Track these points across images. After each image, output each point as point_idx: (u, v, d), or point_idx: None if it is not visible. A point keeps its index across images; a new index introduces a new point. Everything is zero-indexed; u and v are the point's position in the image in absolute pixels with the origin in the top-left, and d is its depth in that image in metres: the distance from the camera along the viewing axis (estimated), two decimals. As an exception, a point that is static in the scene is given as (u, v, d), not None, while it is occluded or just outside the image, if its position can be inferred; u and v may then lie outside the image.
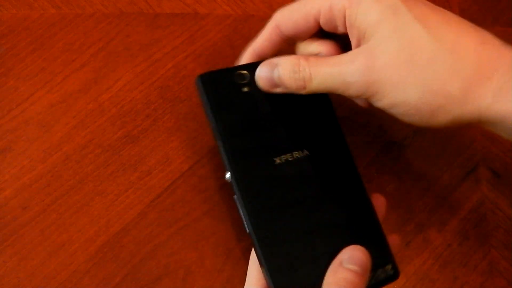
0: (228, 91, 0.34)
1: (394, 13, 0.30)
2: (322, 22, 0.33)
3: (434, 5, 0.32)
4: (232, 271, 0.35)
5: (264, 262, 0.31)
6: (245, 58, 0.36)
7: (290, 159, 0.33)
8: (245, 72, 0.34)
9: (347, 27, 0.32)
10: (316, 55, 0.34)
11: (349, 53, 0.32)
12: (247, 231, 0.31)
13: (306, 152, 0.34)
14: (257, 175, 0.32)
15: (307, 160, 0.33)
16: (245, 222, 0.31)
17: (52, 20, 0.42)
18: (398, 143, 0.41)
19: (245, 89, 0.34)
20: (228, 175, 0.32)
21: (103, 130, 0.38)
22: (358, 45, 0.32)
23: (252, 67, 0.34)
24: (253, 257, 0.32)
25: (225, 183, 0.32)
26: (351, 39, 0.33)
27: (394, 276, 0.32)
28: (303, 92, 0.33)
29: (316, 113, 0.35)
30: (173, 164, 0.38)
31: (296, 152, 0.33)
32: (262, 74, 0.33)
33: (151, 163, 0.38)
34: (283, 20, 0.35)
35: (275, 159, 0.33)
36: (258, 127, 0.34)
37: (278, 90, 0.33)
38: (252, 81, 0.34)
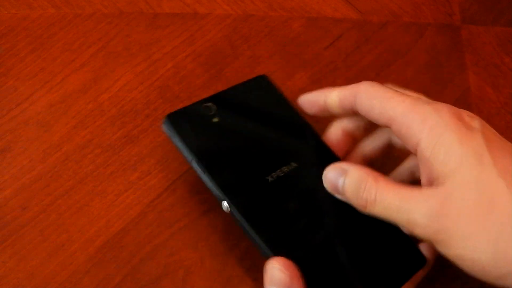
0: (200, 126, 0.34)
1: (478, 162, 0.27)
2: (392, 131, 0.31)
3: None
4: (232, 271, 0.35)
5: None
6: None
7: (281, 175, 0.33)
8: (210, 104, 0.35)
9: (418, 157, 0.30)
10: (387, 175, 0.31)
11: (422, 191, 0.29)
12: (263, 255, 0.31)
13: (293, 164, 0.33)
14: (255, 198, 0.32)
15: (298, 172, 0.33)
16: (260, 248, 0.31)
17: (51, 20, 0.42)
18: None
19: (215, 120, 0.34)
20: (225, 205, 0.32)
21: (102, 130, 0.38)
22: (429, 180, 0.30)
23: (215, 98, 0.35)
24: None
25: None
26: (420, 169, 0.30)
27: (419, 263, 0.32)
28: (362, 210, 0.30)
29: (291, 124, 0.36)
30: (173, 164, 0.38)
31: (285, 167, 0.33)
32: (328, 178, 0.32)
33: (151, 163, 0.38)
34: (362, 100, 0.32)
35: (267, 178, 0.33)
36: (240, 152, 0.33)
37: (339, 197, 0.32)
38: (219, 111, 0.34)
